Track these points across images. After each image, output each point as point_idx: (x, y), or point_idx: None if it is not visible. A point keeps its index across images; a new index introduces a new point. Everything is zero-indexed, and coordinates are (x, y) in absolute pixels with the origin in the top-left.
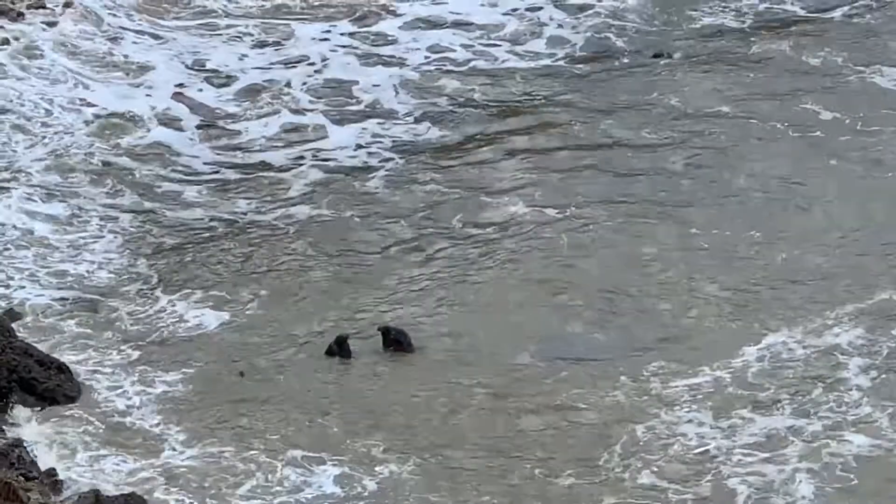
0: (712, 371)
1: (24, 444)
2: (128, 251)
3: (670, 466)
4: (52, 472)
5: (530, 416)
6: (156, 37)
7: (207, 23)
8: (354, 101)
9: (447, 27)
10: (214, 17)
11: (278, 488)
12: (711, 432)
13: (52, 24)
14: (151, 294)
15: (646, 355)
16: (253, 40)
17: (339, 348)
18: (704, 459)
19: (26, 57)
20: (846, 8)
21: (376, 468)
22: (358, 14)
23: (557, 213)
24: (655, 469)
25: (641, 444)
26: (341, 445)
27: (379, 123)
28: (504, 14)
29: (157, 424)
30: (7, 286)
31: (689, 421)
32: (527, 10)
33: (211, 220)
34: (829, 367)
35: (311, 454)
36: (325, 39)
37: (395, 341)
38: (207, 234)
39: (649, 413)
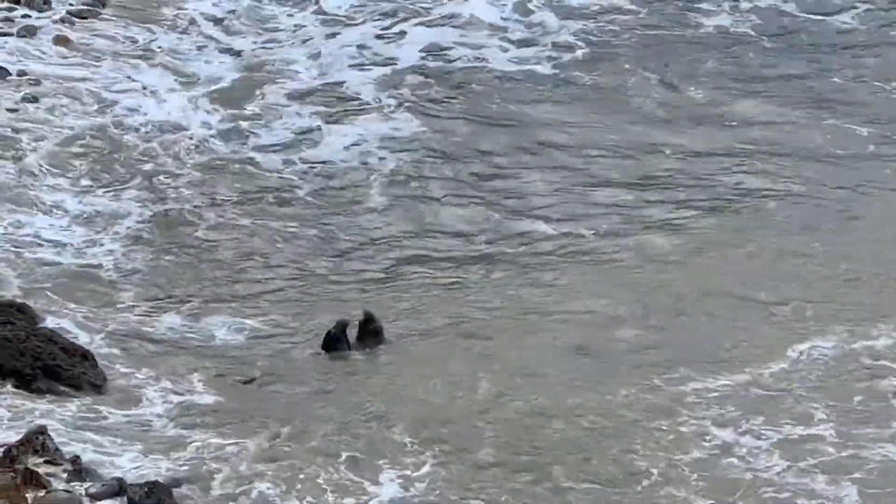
0: (747, 377)
1: (48, 432)
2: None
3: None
4: (76, 460)
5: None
6: None
7: None
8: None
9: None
10: None
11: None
12: (748, 440)
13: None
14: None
15: (679, 358)
16: None
17: (343, 334)
18: (739, 468)
19: None
20: None
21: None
22: None
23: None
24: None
25: (668, 446)
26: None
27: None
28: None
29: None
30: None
31: (722, 426)
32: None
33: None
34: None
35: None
36: None
37: (374, 332)
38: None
39: (680, 415)
